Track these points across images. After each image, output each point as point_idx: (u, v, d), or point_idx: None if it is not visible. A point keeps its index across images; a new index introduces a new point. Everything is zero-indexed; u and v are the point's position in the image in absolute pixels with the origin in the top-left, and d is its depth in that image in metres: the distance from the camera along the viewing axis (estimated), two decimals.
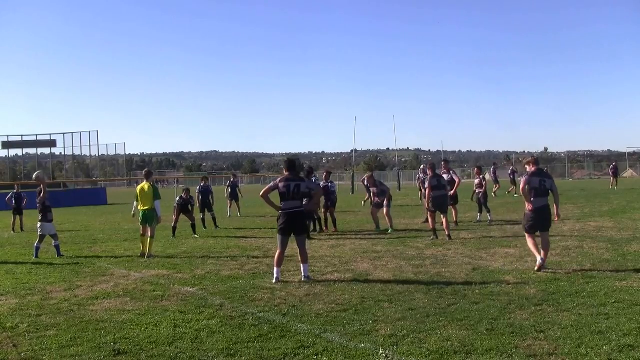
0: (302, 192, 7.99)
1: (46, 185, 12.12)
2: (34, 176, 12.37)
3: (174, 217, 14.61)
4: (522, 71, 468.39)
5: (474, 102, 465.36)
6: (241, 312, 6.27)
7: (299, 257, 8.10)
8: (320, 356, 4.75)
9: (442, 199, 11.80)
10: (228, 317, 6.06)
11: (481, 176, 15.78)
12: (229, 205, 21.15)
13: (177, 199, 14.78)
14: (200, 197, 16.61)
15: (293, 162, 8.28)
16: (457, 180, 14.49)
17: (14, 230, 17.65)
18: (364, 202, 18.89)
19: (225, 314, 6.19)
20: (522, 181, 8.38)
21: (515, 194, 27.58)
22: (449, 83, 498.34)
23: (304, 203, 8.29)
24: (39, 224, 11.52)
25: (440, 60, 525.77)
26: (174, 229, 14.34)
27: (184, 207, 14.53)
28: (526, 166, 8.49)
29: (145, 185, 11.19)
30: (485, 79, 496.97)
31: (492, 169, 30.48)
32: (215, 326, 5.73)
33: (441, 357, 4.62)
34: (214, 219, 16.54)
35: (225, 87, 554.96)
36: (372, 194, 14.53)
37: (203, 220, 16.31)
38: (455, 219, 14.57)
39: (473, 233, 12.80)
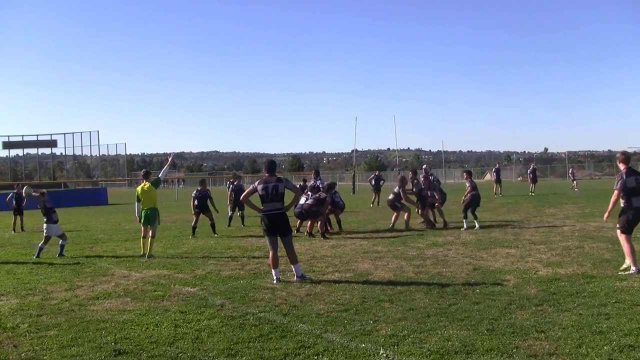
0: (281, 193, 8.01)
1: (37, 192, 12.37)
2: (23, 193, 12.57)
3: (193, 215, 14.57)
4: (522, 71, 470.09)
5: (474, 102, 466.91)
6: (242, 312, 6.27)
7: (288, 259, 8.11)
8: (320, 356, 4.75)
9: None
10: (229, 317, 6.06)
11: (470, 179, 14.21)
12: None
13: (194, 192, 14.66)
14: (233, 195, 17.08)
15: (273, 164, 8.33)
16: (436, 195, 15.12)
17: (14, 230, 17.65)
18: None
19: (226, 314, 6.20)
20: (618, 181, 7.87)
21: (532, 192, 27.76)
22: (450, 83, 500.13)
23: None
24: (44, 226, 11.61)
25: (440, 60, 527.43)
26: (194, 228, 14.33)
27: (203, 201, 14.34)
28: (619, 164, 8.07)
29: (145, 185, 11.20)
30: (485, 79, 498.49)
31: (494, 170, 30.56)
32: (216, 326, 5.73)
33: (442, 357, 4.62)
34: (242, 217, 17.08)
35: (225, 87, 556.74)
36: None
37: (230, 218, 16.88)
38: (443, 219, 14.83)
39: (474, 233, 12.81)
